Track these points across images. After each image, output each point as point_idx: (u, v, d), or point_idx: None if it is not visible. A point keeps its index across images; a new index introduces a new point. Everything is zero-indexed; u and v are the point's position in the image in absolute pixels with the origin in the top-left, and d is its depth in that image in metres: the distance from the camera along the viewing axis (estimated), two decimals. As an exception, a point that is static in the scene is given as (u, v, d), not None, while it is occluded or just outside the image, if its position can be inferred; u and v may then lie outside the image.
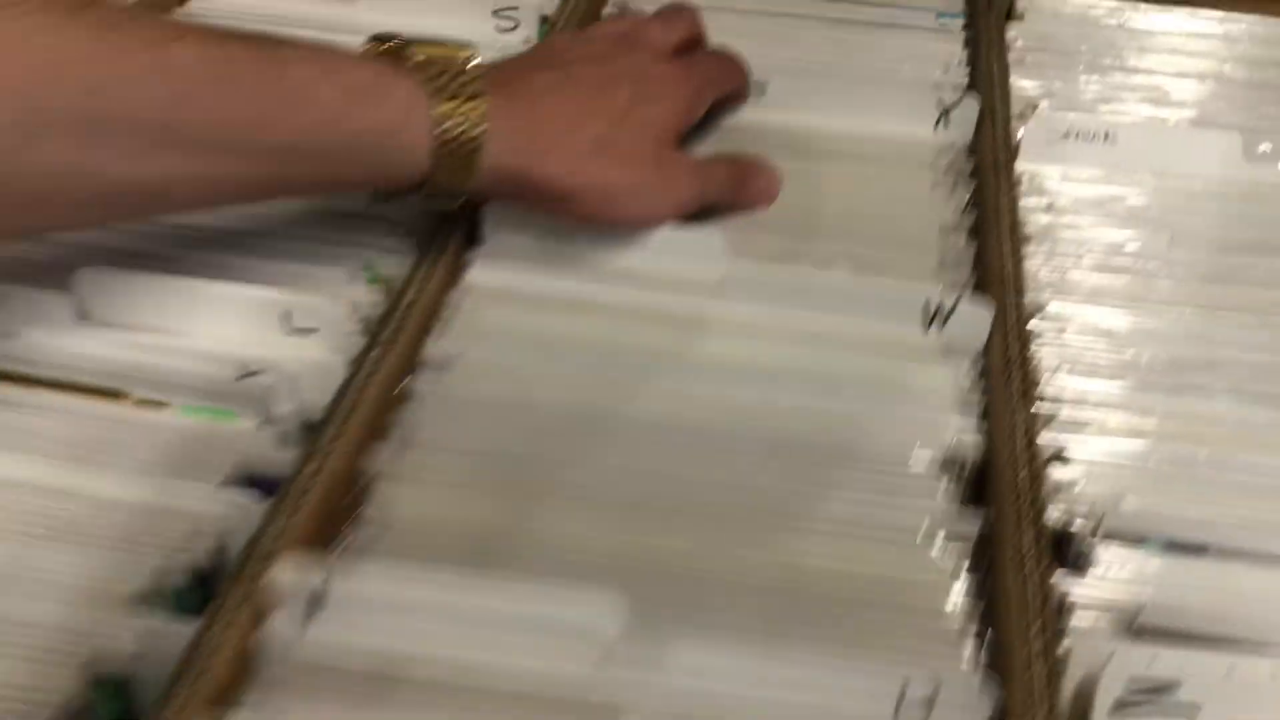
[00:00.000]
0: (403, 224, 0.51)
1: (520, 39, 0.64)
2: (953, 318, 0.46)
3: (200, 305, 0.45)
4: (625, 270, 0.48)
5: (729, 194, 0.52)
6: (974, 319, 0.46)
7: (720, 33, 0.59)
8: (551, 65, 0.49)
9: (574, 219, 0.47)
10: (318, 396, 0.43)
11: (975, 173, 0.55)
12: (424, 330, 0.46)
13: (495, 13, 0.65)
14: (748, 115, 0.58)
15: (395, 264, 0.49)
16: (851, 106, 0.58)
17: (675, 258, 0.48)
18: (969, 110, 0.57)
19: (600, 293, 0.47)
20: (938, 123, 0.57)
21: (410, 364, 0.45)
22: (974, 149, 0.57)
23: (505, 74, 0.47)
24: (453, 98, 0.43)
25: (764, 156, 0.53)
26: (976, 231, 0.52)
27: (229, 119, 0.39)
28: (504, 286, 0.48)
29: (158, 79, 0.37)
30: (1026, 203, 0.54)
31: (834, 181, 0.54)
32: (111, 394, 0.43)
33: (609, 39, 0.53)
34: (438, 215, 0.50)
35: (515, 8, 0.65)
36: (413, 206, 0.48)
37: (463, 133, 0.43)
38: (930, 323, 0.46)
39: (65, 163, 0.36)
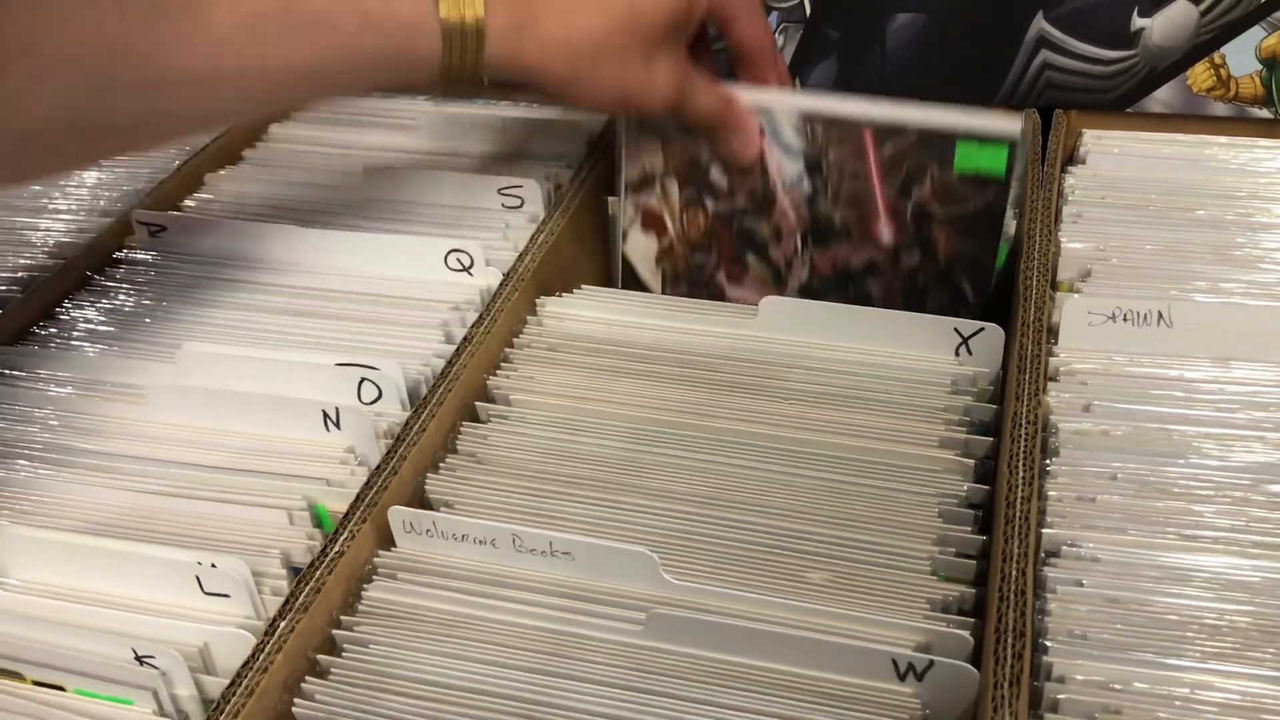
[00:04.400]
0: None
1: (526, 217, 0.62)
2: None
3: (114, 567, 0.43)
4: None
5: (710, 124, 0.54)
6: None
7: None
8: None
9: (565, 100, 0.51)
10: (228, 664, 0.40)
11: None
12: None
13: (500, 191, 0.62)
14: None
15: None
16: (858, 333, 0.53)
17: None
18: (992, 339, 0.50)
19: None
20: (958, 350, 0.50)
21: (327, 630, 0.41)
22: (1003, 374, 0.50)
23: None
24: (453, 3, 0.47)
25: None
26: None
27: (264, 60, 0.44)
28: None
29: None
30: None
31: (826, 458, 0.47)
32: (9, 674, 0.40)
33: None
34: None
35: (519, 185, 0.62)
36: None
37: (465, 32, 0.47)
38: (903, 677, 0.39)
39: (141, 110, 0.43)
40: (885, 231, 0.55)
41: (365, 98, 0.72)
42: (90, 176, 0.70)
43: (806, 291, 0.58)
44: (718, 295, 0.59)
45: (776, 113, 0.54)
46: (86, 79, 0.40)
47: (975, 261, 0.55)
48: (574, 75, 0.50)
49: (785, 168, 0.55)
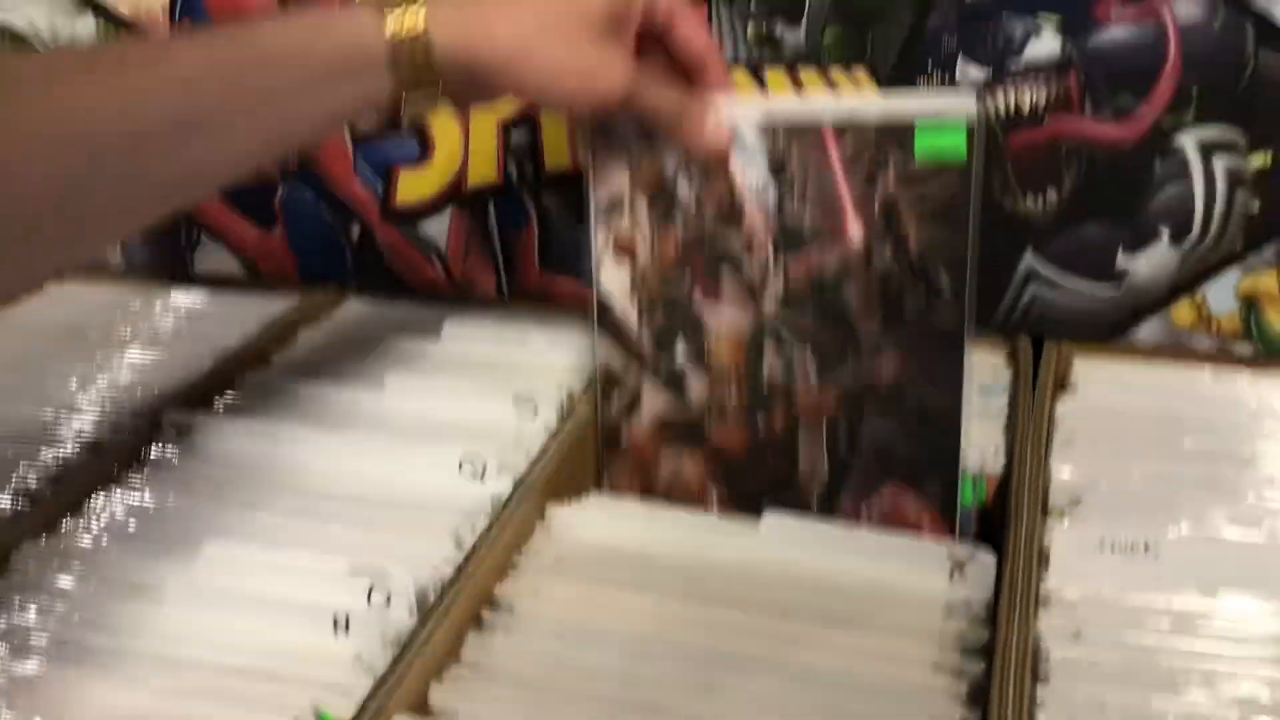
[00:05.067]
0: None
1: (540, 425, 0.64)
2: None
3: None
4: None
5: (672, 116, 0.56)
6: None
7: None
8: None
9: (520, 89, 0.54)
10: None
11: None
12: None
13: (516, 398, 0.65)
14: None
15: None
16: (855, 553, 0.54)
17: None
18: (984, 566, 0.52)
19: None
20: (951, 575, 0.52)
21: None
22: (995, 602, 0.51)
23: None
24: (397, 11, 0.51)
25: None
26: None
27: (226, 104, 0.47)
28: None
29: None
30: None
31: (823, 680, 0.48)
32: None
33: None
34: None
35: (534, 394, 0.64)
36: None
37: (409, 32, 0.50)
38: None
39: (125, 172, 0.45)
40: (855, 229, 0.56)
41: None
42: (124, 375, 0.73)
43: (784, 306, 0.59)
44: (695, 320, 0.60)
45: (735, 120, 0.56)
46: (69, 147, 0.43)
47: (948, 250, 0.55)
48: (526, 55, 0.53)
49: (750, 175, 0.57)
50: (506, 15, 0.53)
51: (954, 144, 0.53)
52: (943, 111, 0.54)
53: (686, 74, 0.58)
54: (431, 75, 0.52)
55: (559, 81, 0.54)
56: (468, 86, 0.53)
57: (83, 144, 0.44)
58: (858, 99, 0.56)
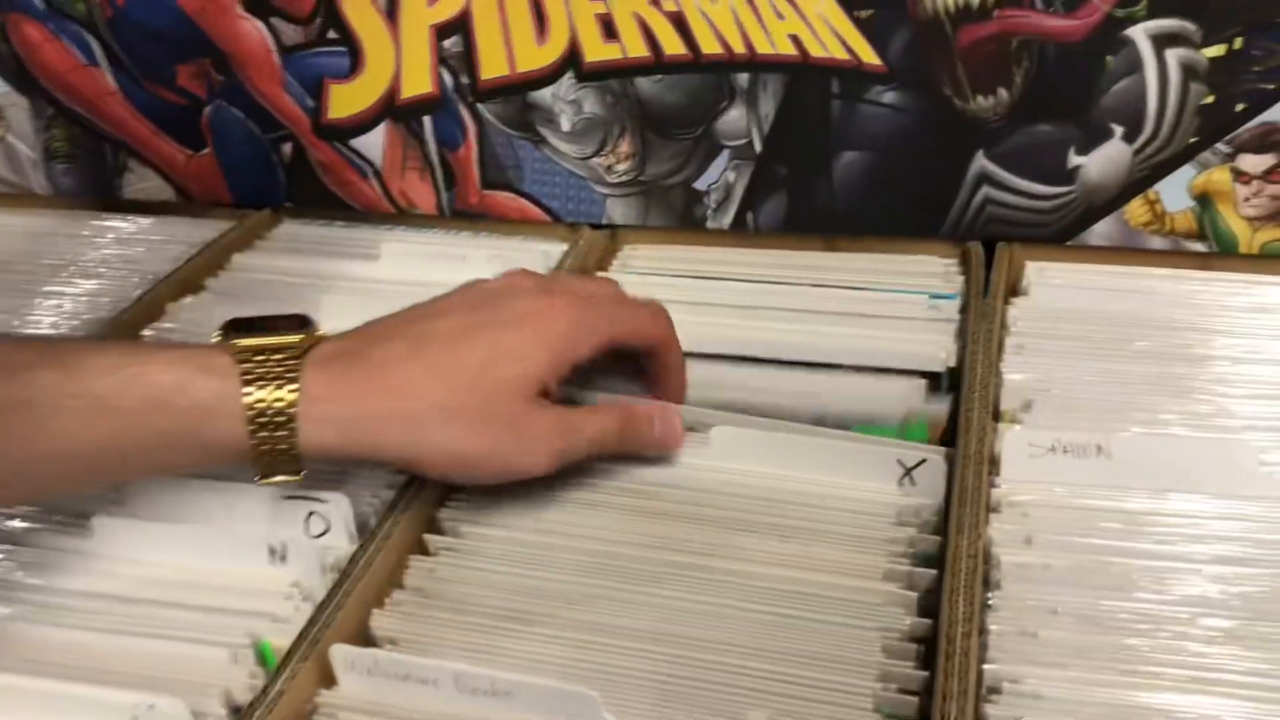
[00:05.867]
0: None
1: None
2: None
3: (51, 711, 0.42)
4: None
5: (612, 445, 0.51)
6: None
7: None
8: (405, 332, 0.48)
9: (433, 479, 0.49)
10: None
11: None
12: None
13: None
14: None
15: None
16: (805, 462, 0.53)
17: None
18: (935, 469, 0.51)
19: None
20: (901, 481, 0.51)
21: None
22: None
23: (344, 346, 0.47)
24: (264, 383, 0.44)
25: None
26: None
27: (36, 440, 0.43)
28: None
29: None
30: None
31: (770, 591, 0.47)
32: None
33: (490, 287, 0.51)
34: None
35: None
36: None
37: (273, 416, 0.44)
38: None
39: None
40: None
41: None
42: (52, 306, 0.70)
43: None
44: None
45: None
46: None
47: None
48: (420, 452, 0.47)
49: None
50: (393, 399, 0.46)
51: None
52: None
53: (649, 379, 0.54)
54: (293, 462, 0.46)
55: (467, 470, 0.48)
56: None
57: None
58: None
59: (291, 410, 0.44)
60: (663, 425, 0.53)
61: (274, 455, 0.45)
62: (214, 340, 0.48)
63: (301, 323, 0.48)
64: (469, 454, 0.47)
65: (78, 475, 0.46)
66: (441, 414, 0.46)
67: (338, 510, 0.50)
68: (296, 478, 0.47)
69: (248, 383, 0.45)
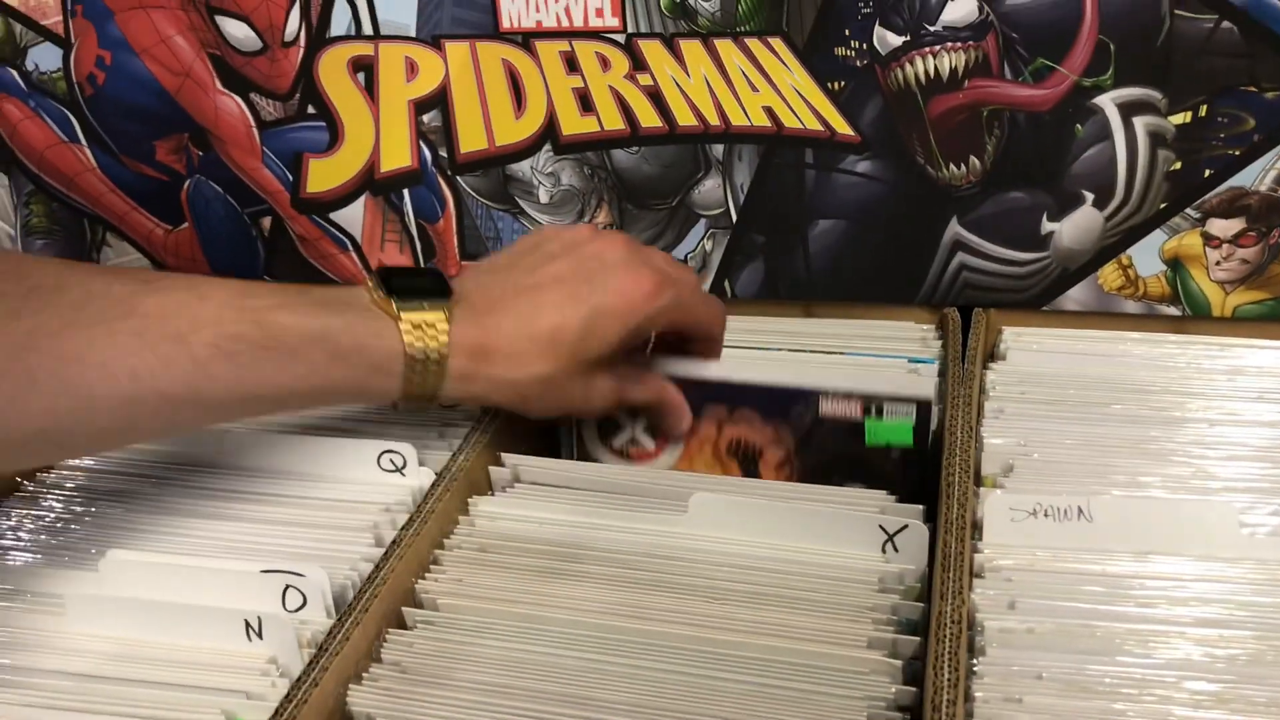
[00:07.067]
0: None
1: (462, 415, 0.62)
2: None
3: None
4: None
5: (647, 409, 0.59)
6: None
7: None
8: (517, 302, 0.54)
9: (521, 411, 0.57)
10: None
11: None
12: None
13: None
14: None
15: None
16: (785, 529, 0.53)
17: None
18: (918, 535, 0.51)
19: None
20: (883, 547, 0.51)
21: None
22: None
23: (475, 315, 0.54)
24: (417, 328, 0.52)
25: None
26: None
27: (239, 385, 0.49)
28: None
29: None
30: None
31: (754, 660, 0.47)
32: None
33: (590, 250, 0.56)
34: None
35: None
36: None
37: (427, 359, 0.52)
38: None
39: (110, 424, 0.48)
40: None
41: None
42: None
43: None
44: None
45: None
46: (69, 395, 0.45)
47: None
48: (523, 406, 0.56)
49: None
50: (512, 369, 0.54)
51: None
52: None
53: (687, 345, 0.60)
54: (433, 401, 0.55)
55: (550, 413, 0.58)
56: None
57: (80, 395, 0.46)
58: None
59: (443, 366, 0.52)
60: (685, 411, 0.59)
61: (420, 398, 0.53)
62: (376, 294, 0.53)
63: (439, 281, 0.55)
64: (549, 411, 0.57)
65: (253, 412, 0.55)
66: (541, 385, 0.54)
67: (315, 584, 0.50)
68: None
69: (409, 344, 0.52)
